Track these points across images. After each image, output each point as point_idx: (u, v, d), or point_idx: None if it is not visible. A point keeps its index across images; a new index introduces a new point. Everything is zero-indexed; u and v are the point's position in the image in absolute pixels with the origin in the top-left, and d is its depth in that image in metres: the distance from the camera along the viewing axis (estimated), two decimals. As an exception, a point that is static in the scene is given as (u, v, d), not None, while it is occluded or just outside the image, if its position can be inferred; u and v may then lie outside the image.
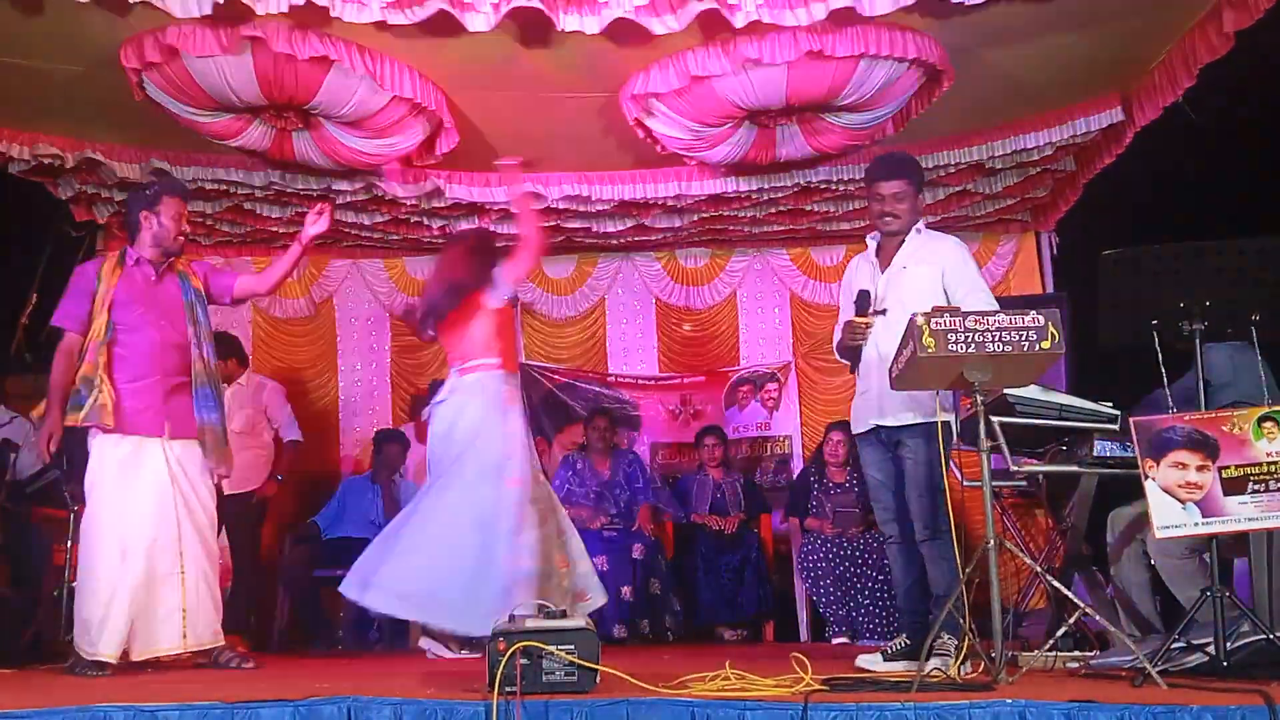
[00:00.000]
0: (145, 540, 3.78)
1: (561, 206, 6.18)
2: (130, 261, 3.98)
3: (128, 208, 4.11)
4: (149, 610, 3.79)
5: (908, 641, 3.60)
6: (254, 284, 4.31)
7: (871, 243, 3.85)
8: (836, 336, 3.82)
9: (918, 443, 3.54)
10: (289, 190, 5.85)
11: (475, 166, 5.87)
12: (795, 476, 6.70)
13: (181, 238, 4.06)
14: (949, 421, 3.26)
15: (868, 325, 3.57)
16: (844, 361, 3.88)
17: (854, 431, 3.85)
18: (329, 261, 7.30)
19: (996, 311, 2.90)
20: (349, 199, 5.96)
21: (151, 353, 3.92)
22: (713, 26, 4.36)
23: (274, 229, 6.58)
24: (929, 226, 3.83)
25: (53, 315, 3.96)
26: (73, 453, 4.09)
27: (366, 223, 6.44)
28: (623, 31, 4.28)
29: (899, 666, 3.44)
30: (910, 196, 3.69)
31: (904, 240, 3.70)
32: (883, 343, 3.54)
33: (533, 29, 4.35)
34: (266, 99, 4.65)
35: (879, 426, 3.66)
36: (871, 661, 3.53)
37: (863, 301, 3.58)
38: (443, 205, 6.15)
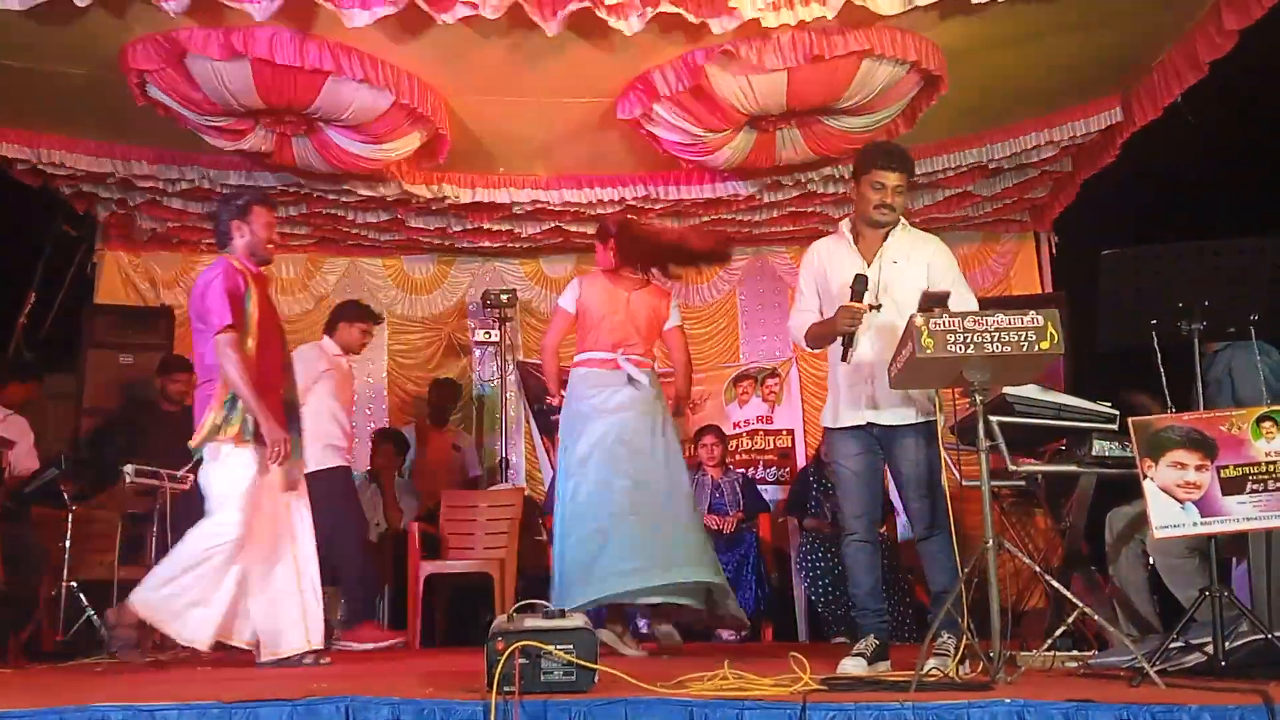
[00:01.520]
0: (281, 544, 3.93)
1: (561, 209, 6.18)
2: (254, 272, 4.01)
3: (217, 218, 4.12)
4: (283, 608, 3.94)
5: (876, 640, 3.50)
6: None
7: (846, 230, 3.69)
8: (800, 321, 3.70)
9: (918, 441, 3.48)
10: (304, 191, 5.86)
11: (475, 169, 5.87)
12: (795, 476, 6.68)
13: (271, 245, 4.13)
14: (942, 419, 3.25)
15: (863, 311, 3.41)
16: (811, 350, 3.80)
17: (833, 425, 3.63)
18: (326, 260, 7.28)
19: (996, 312, 2.89)
20: (355, 197, 5.96)
21: (274, 367, 4.02)
22: (701, 31, 4.35)
23: (284, 229, 6.57)
24: (923, 227, 3.80)
25: (215, 316, 3.79)
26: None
27: (363, 221, 6.42)
28: (617, 33, 4.28)
29: (883, 667, 3.43)
30: (905, 191, 3.62)
31: (888, 234, 3.59)
32: (875, 337, 3.48)
33: (531, 32, 4.35)
34: (265, 103, 4.64)
35: (872, 424, 3.54)
36: (856, 665, 3.48)
37: (860, 285, 3.41)
38: (442, 206, 6.15)
